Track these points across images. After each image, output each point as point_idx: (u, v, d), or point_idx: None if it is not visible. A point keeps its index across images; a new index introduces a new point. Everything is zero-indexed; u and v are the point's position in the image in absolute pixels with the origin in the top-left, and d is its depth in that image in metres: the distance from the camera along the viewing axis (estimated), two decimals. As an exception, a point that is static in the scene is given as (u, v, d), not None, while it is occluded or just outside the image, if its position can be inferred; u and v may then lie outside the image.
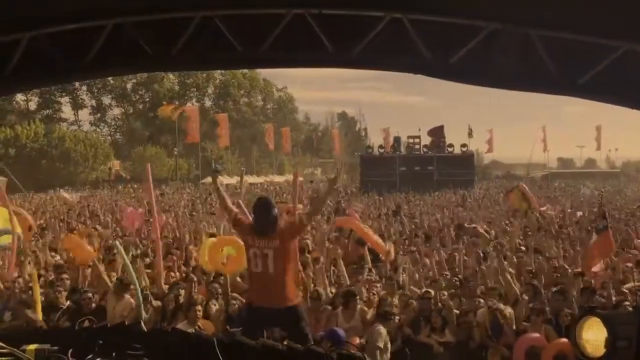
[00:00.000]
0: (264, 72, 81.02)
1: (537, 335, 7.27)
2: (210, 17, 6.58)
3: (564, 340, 6.98)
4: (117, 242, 9.40)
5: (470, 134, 61.89)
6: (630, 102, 6.55)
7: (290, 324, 6.10)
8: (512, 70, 6.44)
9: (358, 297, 7.90)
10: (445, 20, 6.33)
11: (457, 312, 7.99)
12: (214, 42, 6.79)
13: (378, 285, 8.81)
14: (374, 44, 6.66)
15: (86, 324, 7.69)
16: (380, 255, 10.40)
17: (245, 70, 74.05)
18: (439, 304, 8.09)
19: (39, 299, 8.11)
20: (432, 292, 8.40)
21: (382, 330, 7.24)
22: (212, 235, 11.17)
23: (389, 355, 7.21)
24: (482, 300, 8.09)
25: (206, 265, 9.03)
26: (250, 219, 6.68)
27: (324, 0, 6.37)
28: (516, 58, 6.34)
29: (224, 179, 54.44)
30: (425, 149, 48.12)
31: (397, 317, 7.71)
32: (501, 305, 7.82)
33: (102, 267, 9.42)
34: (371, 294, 8.25)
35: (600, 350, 3.42)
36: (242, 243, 9.18)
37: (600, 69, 6.20)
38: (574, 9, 5.77)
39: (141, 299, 7.92)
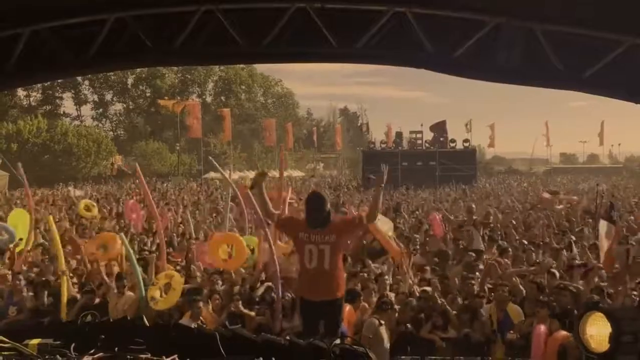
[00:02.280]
0: (264, 67, 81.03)
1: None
2: (213, 11, 6.55)
3: (567, 333, 6.96)
4: (123, 235, 9.42)
5: (468, 128, 61.51)
6: (635, 97, 6.51)
7: (330, 315, 6.14)
8: (515, 65, 6.41)
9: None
10: (448, 14, 6.30)
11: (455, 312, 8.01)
12: (216, 37, 6.76)
13: (370, 284, 8.76)
14: (377, 38, 6.63)
15: (89, 318, 7.78)
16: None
17: (244, 65, 73.95)
18: (440, 301, 8.09)
19: (65, 297, 8.21)
20: (429, 289, 8.41)
21: (373, 321, 7.27)
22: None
23: (385, 346, 7.21)
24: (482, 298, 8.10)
25: (211, 261, 9.07)
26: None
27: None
28: (520, 53, 6.31)
29: (236, 174, 54.37)
30: (427, 145, 48.07)
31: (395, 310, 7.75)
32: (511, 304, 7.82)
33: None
34: (368, 290, 8.28)
35: (604, 346, 3.41)
36: (242, 241, 9.24)
37: (604, 64, 6.17)
38: (577, 3, 5.74)
39: (143, 292, 7.95)
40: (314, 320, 6.09)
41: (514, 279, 8.64)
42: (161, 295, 7.76)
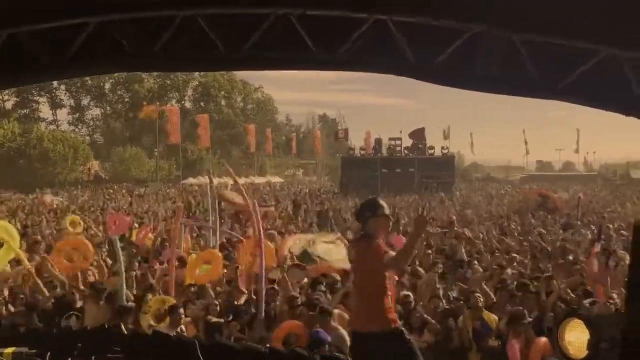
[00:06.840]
0: (243, 73, 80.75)
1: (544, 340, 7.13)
2: (193, 17, 6.51)
3: (546, 339, 7.01)
4: (116, 238, 9.16)
5: (446, 136, 61.95)
6: (610, 106, 6.63)
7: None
8: (493, 74, 6.48)
9: None
10: (429, 23, 6.34)
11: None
12: (196, 42, 6.72)
13: None
14: (358, 46, 6.64)
15: (73, 319, 7.63)
16: None
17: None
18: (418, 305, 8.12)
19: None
20: (411, 295, 8.42)
21: None
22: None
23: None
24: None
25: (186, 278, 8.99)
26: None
27: (308, 1, 6.34)
28: (498, 62, 6.38)
29: (216, 180, 54.00)
30: (406, 151, 48.33)
31: None
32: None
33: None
34: None
35: (583, 352, 3.43)
36: (219, 255, 9.28)
37: (580, 73, 6.27)
38: (555, 13, 5.82)
39: (124, 299, 7.82)
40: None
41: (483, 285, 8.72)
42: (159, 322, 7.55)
